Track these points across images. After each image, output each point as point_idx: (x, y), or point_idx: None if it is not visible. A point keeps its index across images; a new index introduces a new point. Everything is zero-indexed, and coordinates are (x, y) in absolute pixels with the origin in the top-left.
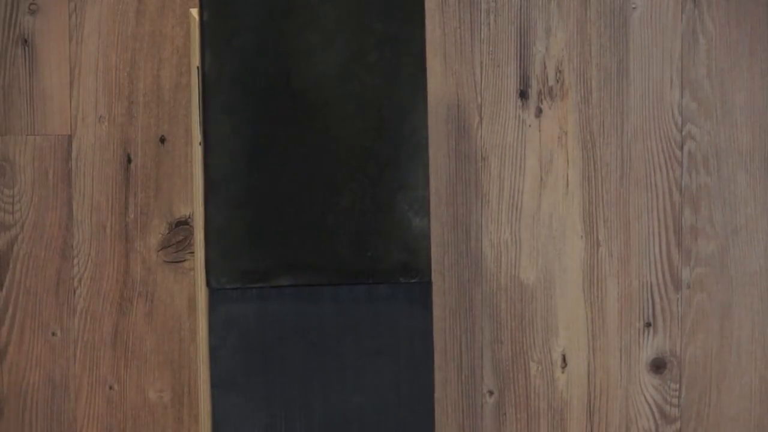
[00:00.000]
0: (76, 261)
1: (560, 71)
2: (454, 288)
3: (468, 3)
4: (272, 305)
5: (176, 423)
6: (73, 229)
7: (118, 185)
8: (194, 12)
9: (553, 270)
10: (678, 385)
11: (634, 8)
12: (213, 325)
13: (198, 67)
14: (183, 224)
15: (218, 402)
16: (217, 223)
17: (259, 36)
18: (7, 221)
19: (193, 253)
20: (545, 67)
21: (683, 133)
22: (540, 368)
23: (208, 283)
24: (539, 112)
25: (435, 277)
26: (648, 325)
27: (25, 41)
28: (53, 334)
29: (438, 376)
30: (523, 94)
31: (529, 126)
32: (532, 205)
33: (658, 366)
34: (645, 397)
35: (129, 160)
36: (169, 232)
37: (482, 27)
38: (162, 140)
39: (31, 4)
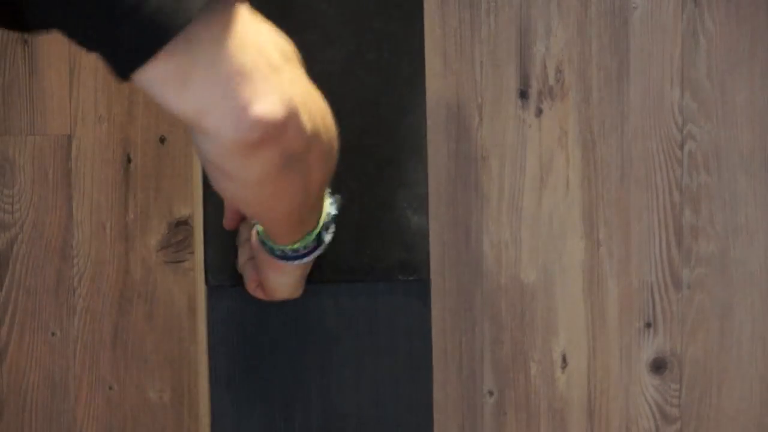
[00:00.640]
0: (75, 261)
1: (560, 71)
2: (454, 288)
3: (468, 3)
4: (271, 303)
5: (176, 423)
6: (73, 229)
7: (118, 185)
8: None
9: (553, 270)
10: (678, 385)
11: (634, 8)
12: (212, 322)
13: None
14: (183, 224)
15: (217, 400)
16: (217, 222)
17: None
18: (6, 221)
19: (193, 253)
20: (545, 67)
21: (683, 133)
22: (540, 368)
23: (206, 281)
24: (539, 112)
25: (435, 277)
26: (648, 325)
27: (25, 41)
28: (53, 333)
29: (438, 376)
30: (523, 94)
31: (529, 126)
32: (532, 205)
33: (658, 366)
34: (645, 398)
35: (129, 160)
36: (169, 232)
37: (482, 27)
38: (162, 140)
39: None
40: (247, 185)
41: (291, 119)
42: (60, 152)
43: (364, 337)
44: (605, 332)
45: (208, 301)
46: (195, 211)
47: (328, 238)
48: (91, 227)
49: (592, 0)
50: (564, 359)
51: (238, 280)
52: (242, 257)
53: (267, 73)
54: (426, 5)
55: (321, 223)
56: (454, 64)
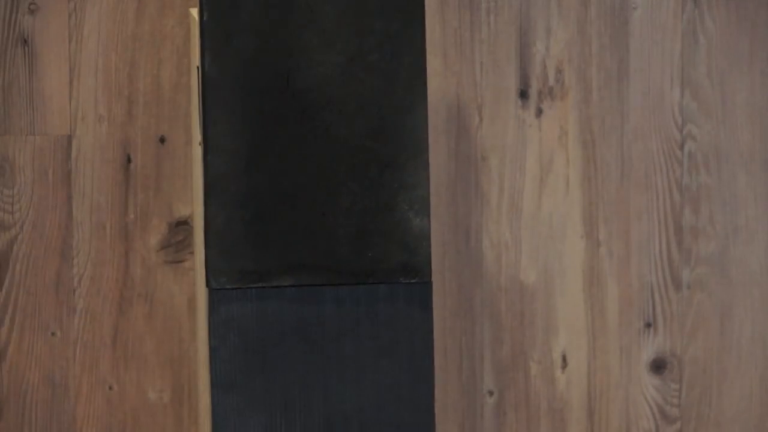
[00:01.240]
0: (75, 261)
1: (560, 71)
2: (454, 288)
3: (468, 3)
4: (272, 305)
5: (176, 423)
6: (73, 229)
7: (118, 185)
8: (194, 12)
9: (553, 270)
10: (678, 386)
11: (634, 8)
12: (213, 325)
13: (198, 67)
14: (183, 224)
15: (218, 402)
16: (217, 223)
17: (259, 36)
18: (6, 221)
19: (192, 253)
20: (545, 67)
21: (683, 133)
22: (540, 368)
23: (207, 284)
24: (539, 112)
25: (435, 278)
26: (648, 325)
27: (25, 41)
28: (53, 334)
29: (438, 376)
30: (523, 94)
31: (529, 126)
32: (532, 205)
33: (658, 366)
34: (645, 398)
35: (129, 160)
36: (169, 232)
37: (482, 27)
38: (162, 140)
39: (31, 4)
40: None
41: None
42: (60, 152)
43: (365, 339)
44: (605, 332)
45: (208, 302)
46: (195, 211)
47: None
48: (91, 227)
49: (592, 0)
50: (564, 359)
51: (238, 282)
52: None
53: None
54: (426, 6)
55: None
56: (454, 64)
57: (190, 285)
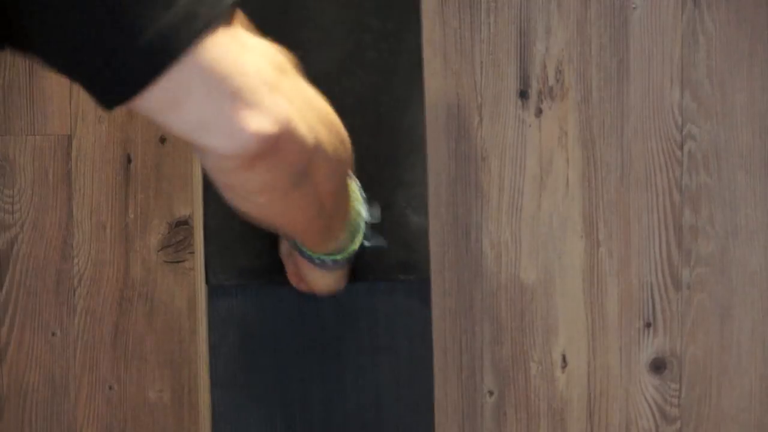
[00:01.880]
0: (76, 261)
1: (560, 71)
2: (454, 288)
3: (468, 3)
4: (271, 302)
5: (176, 423)
6: (73, 229)
7: (118, 185)
8: None
9: (553, 270)
10: (678, 385)
11: (634, 8)
12: (212, 322)
13: None
14: (183, 224)
15: (218, 400)
16: (216, 220)
17: (257, 34)
18: (7, 221)
19: (193, 253)
20: (545, 67)
21: (683, 133)
22: (540, 368)
23: (207, 280)
24: (539, 112)
25: (435, 277)
26: (648, 325)
27: None
28: (53, 334)
29: (438, 376)
30: (523, 94)
31: (529, 126)
32: (532, 205)
33: (658, 366)
34: (645, 397)
35: (129, 160)
36: (169, 232)
37: (482, 27)
38: (162, 140)
39: None
40: (253, 199)
41: (286, 134)
42: (60, 152)
43: (364, 337)
44: (605, 332)
45: (208, 300)
46: (195, 211)
47: (368, 244)
48: (91, 227)
49: (592, 0)
50: (564, 359)
51: (238, 279)
52: (284, 247)
53: (261, 91)
54: (426, 5)
55: (360, 235)
56: (454, 64)
57: (190, 285)
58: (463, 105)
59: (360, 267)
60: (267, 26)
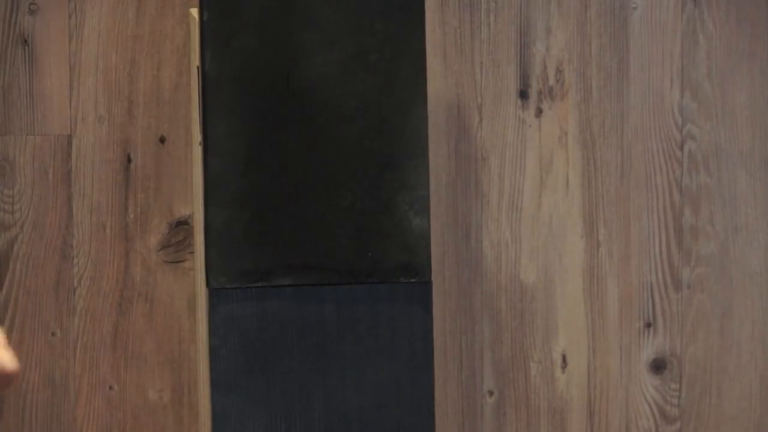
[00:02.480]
0: (76, 261)
1: (560, 71)
2: (454, 288)
3: (468, 3)
4: (272, 305)
5: (176, 423)
6: (73, 229)
7: (118, 185)
8: (194, 12)
9: (553, 270)
10: (678, 385)
11: (634, 8)
12: (213, 325)
13: (198, 67)
14: (183, 224)
15: (218, 402)
16: (217, 223)
17: (259, 36)
18: (7, 221)
19: (193, 253)
20: (545, 67)
21: (683, 133)
22: (540, 368)
23: (208, 283)
24: (539, 112)
25: (435, 278)
26: (648, 325)
27: (25, 41)
28: (53, 334)
29: (438, 376)
30: (523, 94)
31: (529, 126)
32: (532, 205)
33: (658, 366)
34: (645, 397)
35: (129, 160)
36: (169, 232)
37: (482, 27)
38: (162, 140)
39: (31, 4)
40: None
41: None
42: (60, 152)
43: (365, 339)
44: (605, 332)
45: (208, 302)
46: (195, 211)
47: None
48: (91, 227)
49: (592, 0)
50: (564, 359)
51: (238, 282)
52: None
53: None
54: (426, 6)
55: None
56: (454, 64)
57: (190, 285)
58: (463, 105)
59: (360, 270)
60: (270, 29)
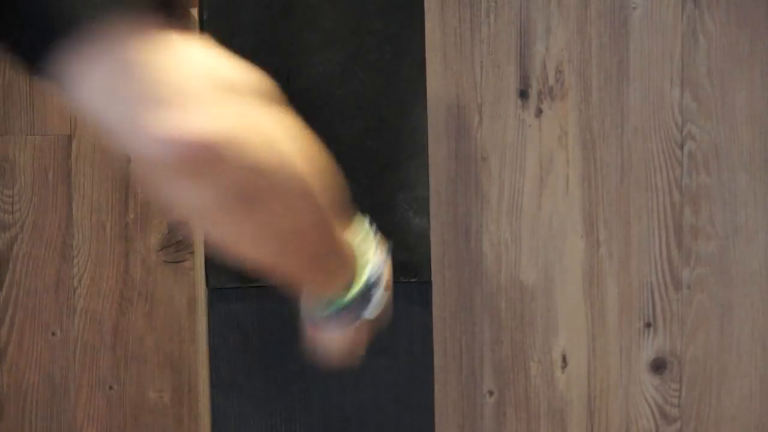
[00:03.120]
0: (76, 261)
1: (560, 71)
2: (454, 288)
3: (468, 3)
4: (272, 304)
5: (176, 423)
6: (73, 229)
7: (118, 185)
8: (194, 12)
9: (553, 270)
10: (678, 385)
11: (634, 8)
12: (213, 324)
13: None
14: (183, 224)
15: (218, 402)
16: None
17: (259, 36)
18: (7, 221)
19: (193, 253)
20: (545, 67)
21: (683, 133)
22: (540, 368)
23: (207, 283)
24: (539, 112)
25: (435, 277)
26: (648, 325)
27: None
28: (53, 334)
29: (438, 376)
30: (523, 94)
31: (529, 126)
32: (532, 205)
33: (658, 366)
34: (645, 397)
35: (129, 160)
36: (169, 232)
37: (482, 27)
38: None
39: None
40: (202, 220)
41: (203, 148)
42: (60, 152)
43: None
44: (605, 332)
45: (208, 302)
46: None
47: (378, 295)
48: (91, 227)
49: (592, 0)
50: (564, 359)
51: (238, 282)
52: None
53: (196, 101)
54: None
55: (360, 283)
56: (454, 64)
57: (190, 285)
58: (463, 105)
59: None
60: (270, 29)
